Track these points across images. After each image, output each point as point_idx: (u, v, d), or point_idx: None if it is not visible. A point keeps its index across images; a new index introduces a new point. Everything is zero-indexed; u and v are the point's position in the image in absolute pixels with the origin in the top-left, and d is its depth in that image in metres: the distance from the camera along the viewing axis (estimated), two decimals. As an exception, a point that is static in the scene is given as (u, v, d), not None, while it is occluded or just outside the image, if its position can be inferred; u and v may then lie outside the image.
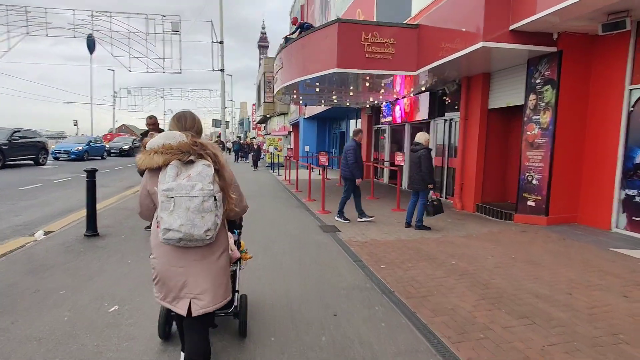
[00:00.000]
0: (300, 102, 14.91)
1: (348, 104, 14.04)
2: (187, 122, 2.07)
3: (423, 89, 10.19)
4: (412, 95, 11.07)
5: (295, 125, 28.03)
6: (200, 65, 30.62)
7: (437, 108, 10.18)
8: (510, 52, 6.36)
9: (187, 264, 1.88)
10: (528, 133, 6.85)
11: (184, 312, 1.90)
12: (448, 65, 7.38)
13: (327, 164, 8.71)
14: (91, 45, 31.27)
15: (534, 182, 6.79)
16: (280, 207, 8.57)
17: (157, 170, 1.84)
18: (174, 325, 2.67)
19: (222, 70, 23.87)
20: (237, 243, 2.86)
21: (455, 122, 9.17)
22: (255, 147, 22.88)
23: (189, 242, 1.78)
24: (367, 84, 9.52)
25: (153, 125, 5.88)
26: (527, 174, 6.93)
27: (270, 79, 34.16)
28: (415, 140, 6.39)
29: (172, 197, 1.72)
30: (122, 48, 26.22)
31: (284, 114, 30.99)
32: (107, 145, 27.63)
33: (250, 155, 24.53)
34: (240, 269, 2.86)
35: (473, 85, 8.26)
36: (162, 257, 1.89)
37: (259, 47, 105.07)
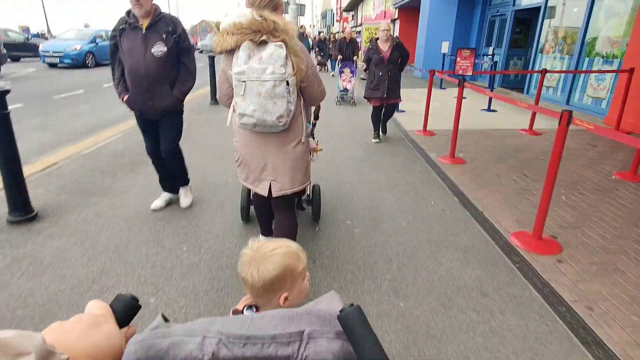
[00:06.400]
0: None
1: None
2: None
3: None
4: None
5: (406, 10, 18.06)
6: None
7: None
8: None
9: (266, 149, 1.94)
10: None
11: (265, 193, 2.00)
12: None
13: None
14: None
15: None
16: None
17: (232, 52, 1.75)
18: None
19: None
20: (311, 135, 2.87)
21: None
22: (367, 48, 5.54)
23: (263, 127, 1.79)
24: None
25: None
26: None
27: (368, -61, 23.25)
28: None
29: (244, 82, 1.69)
30: None
31: (388, -8, 20.91)
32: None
33: (336, 65, 10.79)
34: (312, 160, 2.81)
35: None
36: (243, 141, 1.96)
37: None
